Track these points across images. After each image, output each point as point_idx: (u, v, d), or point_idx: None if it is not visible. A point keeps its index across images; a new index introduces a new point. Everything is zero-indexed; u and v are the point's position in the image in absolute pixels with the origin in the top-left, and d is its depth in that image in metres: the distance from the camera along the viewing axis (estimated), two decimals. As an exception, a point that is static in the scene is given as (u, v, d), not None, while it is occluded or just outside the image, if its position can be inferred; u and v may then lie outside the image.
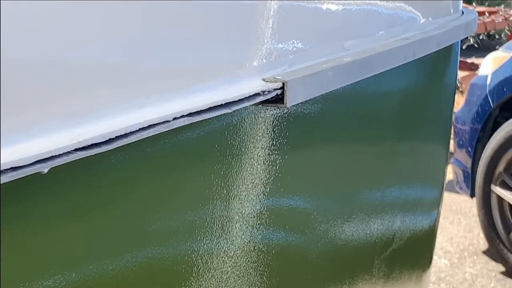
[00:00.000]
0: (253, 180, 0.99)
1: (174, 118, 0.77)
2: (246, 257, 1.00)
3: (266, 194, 1.03)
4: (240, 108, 0.88)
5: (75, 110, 0.68)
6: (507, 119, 3.50)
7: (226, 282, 0.97)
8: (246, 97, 0.88)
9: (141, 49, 0.75)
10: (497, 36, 9.62)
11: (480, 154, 3.57)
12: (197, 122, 0.81)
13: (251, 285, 1.03)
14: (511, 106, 3.55)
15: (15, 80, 0.61)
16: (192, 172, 0.89)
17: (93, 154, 0.67)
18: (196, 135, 0.87)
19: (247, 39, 0.93)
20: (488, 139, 3.53)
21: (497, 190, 3.47)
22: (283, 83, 0.93)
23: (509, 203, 3.47)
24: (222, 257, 0.95)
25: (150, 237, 0.82)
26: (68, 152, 0.65)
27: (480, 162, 3.54)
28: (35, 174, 0.62)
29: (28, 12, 0.62)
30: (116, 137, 0.70)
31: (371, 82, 1.24)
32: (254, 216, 1.01)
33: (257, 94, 0.90)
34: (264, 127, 1.00)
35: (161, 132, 0.76)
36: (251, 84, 0.91)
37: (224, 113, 0.85)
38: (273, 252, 1.07)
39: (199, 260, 0.90)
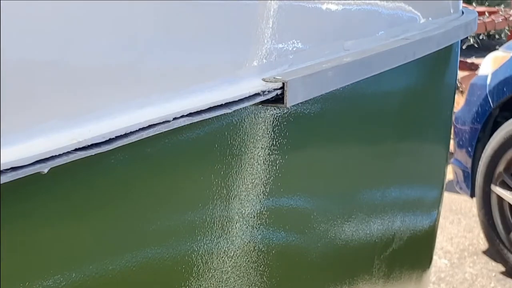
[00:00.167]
0: (253, 180, 0.99)
1: (174, 118, 0.77)
2: (246, 257, 1.00)
3: (266, 194, 1.03)
4: (240, 108, 0.88)
5: (75, 110, 0.68)
6: (507, 119, 3.50)
7: (226, 282, 0.97)
8: (246, 97, 0.88)
9: (141, 49, 0.75)
10: (497, 36, 9.62)
11: (480, 154, 3.57)
12: (197, 122, 0.81)
13: (251, 285, 1.03)
14: (511, 106, 3.55)
15: (15, 80, 0.61)
16: (192, 172, 0.89)
17: (93, 154, 0.67)
18: (196, 135, 0.87)
19: (247, 39, 0.93)
20: (488, 139, 3.53)
21: (497, 190, 3.47)
22: (283, 83, 0.93)
23: (509, 203, 3.47)
24: (222, 257, 0.95)
25: (150, 237, 0.82)
26: (68, 152, 0.65)
27: (480, 162, 3.54)
28: (35, 174, 0.62)
29: (28, 12, 0.62)
30: (116, 137, 0.70)
31: (371, 82, 1.24)
32: (254, 216, 1.01)
33: (257, 94, 0.90)
34: (264, 127, 1.00)
35: (161, 132, 0.76)
36: (251, 84, 0.91)
37: (224, 113, 0.85)
38: (273, 252, 1.07)
39: (199, 260, 0.90)
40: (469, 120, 3.64)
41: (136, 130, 0.72)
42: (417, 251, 1.84)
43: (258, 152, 0.99)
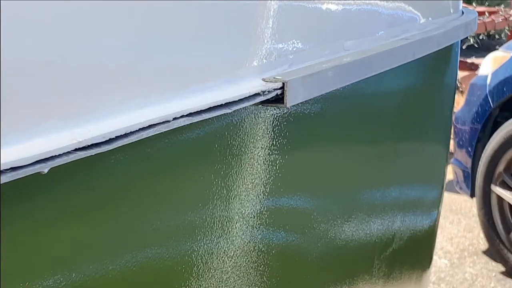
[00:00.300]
0: (253, 180, 0.99)
1: (174, 118, 0.77)
2: (246, 257, 1.00)
3: (266, 194, 1.03)
4: (240, 108, 0.88)
5: (75, 110, 0.68)
6: (507, 119, 3.50)
7: (226, 282, 0.97)
8: (246, 97, 0.88)
9: (141, 49, 0.75)
10: (497, 36, 9.62)
11: (480, 154, 3.57)
12: (197, 122, 0.81)
13: (251, 285, 1.03)
14: (511, 106, 3.55)
15: (15, 80, 0.61)
16: (192, 172, 0.89)
17: (93, 154, 0.67)
18: (196, 135, 0.87)
19: (247, 39, 0.93)
20: (488, 139, 3.53)
21: (497, 190, 3.47)
22: (283, 83, 0.93)
23: (509, 203, 3.47)
24: (222, 257, 0.95)
25: (150, 237, 0.82)
26: (68, 152, 0.65)
27: (480, 162, 3.54)
28: (35, 174, 0.62)
29: (28, 12, 0.62)
30: (116, 137, 0.70)
31: (371, 82, 1.24)
32: (254, 216, 1.01)
33: (257, 94, 0.90)
34: (264, 127, 1.00)
35: (161, 132, 0.76)
36: (251, 84, 0.91)
37: (224, 113, 0.85)
38: (273, 252, 1.07)
39: (199, 260, 0.90)
40: (469, 120, 3.64)
41: (136, 130, 0.72)
42: (417, 251, 1.84)
43: (258, 152, 0.99)
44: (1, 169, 0.59)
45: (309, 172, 1.17)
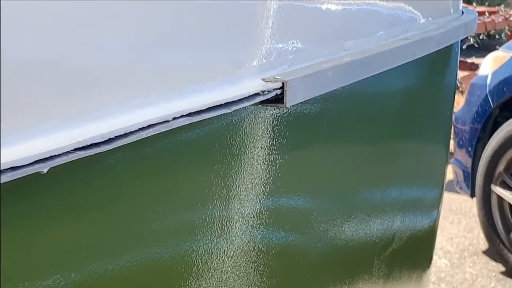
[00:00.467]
0: (253, 180, 0.99)
1: (174, 118, 0.77)
2: (246, 257, 1.00)
3: (266, 194, 1.03)
4: (240, 108, 0.88)
5: (74, 110, 0.68)
6: (507, 119, 3.50)
7: (226, 282, 0.97)
8: (245, 97, 0.88)
9: (140, 49, 0.75)
10: (497, 36, 9.62)
11: (480, 154, 3.57)
12: (197, 122, 0.81)
13: (251, 285, 1.03)
14: (511, 106, 3.55)
15: (14, 80, 0.61)
16: (191, 172, 0.89)
17: (92, 154, 0.67)
18: (195, 135, 0.87)
19: (246, 39, 0.93)
20: (488, 139, 3.53)
21: (497, 190, 3.47)
22: (283, 83, 0.93)
23: (509, 203, 3.47)
24: (222, 257, 0.95)
25: (149, 237, 0.82)
26: (68, 152, 0.65)
27: (480, 162, 3.54)
28: (35, 174, 0.62)
29: (28, 13, 0.62)
30: (115, 137, 0.70)
31: (371, 82, 1.24)
32: (254, 216, 1.01)
33: (256, 94, 0.90)
34: (264, 127, 1.00)
35: (161, 132, 0.76)
36: (251, 84, 0.91)
37: (224, 113, 0.85)
38: (273, 252, 1.07)
39: (199, 260, 0.90)
40: (469, 120, 3.64)
41: (136, 130, 0.72)
42: (417, 251, 1.84)
43: (258, 152, 0.99)
44: (1, 169, 0.59)
45: (309, 172, 1.17)
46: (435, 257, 3.14)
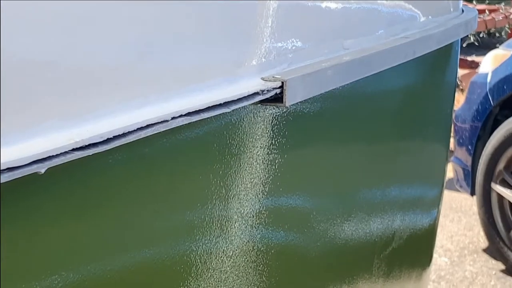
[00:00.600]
0: (252, 180, 0.99)
1: (173, 118, 0.77)
2: (245, 257, 1.00)
3: (265, 193, 1.02)
4: (239, 108, 0.87)
5: (73, 110, 0.67)
6: (507, 117, 3.50)
7: (225, 282, 0.96)
8: (245, 97, 0.88)
9: (139, 49, 0.75)
10: (497, 34, 9.60)
11: (480, 152, 3.57)
12: (196, 121, 0.80)
13: (250, 285, 1.02)
14: (511, 104, 3.54)
15: (13, 80, 0.60)
16: (190, 172, 0.88)
17: (90, 154, 0.67)
18: (194, 134, 0.87)
19: (246, 38, 0.92)
20: (488, 137, 3.53)
21: (498, 188, 3.46)
22: (282, 82, 0.92)
23: (509, 201, 3.47)
24: (221, 256, 0.95)
25: (148, 237, 0.82)
26: (66, 152, 0.65)
27: (480, 160, 3.54)
28: (33, 174, 0.62)
29: (28, 12, 0.61)
30: (114, 136, 0.70)
31: (370, 81, 1.24)
32: (253, 216, 1.00)
33: (256, 93, 0.89)
34: (263, 126, 0.99)
35: (159, 132, 0.75)
36: (250, 83, 0.91)
37: (223, 113, 0.84)
38: (273, 251, 1.07)
39: (198, 260, 0.90)
40: (469, 118, 3.64)
41: (134, 130, 0.72)
42: (417, 249, 1.84)
43: (257, 152, 0.99)
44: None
45: (308, 172, 1.17)
46: (435, 255, 3.13)
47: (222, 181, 0.92)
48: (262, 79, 0.93)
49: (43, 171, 0.63)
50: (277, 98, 0.93)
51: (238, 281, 0.99)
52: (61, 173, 0.67)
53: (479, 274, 3.53)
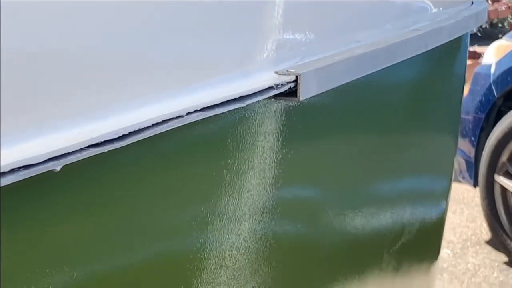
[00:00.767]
0: (264, 174, 0.98)
1: (188, 113, 0.75)
2: (255, 250, 0.99)
3: (276, 187, 1.01)
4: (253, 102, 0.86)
5: (88, 106, 0.66)
6: (511, 108, 3.49)
7: (237, 276, 0.95)
8: (259, 91, 0.86)
9: (152, 44, 0.73)
10: (500, 25, 9.58)
11: (483, 143, 3.55)
12: (210, 116, 0.79)
13: (260, 278, 1.01)
14: (515, 95, 3.53)
15: (26, 76, 0.59)
16: (204, 166, 0.87)
17: (106, 151, 0.66)
18: (207, 128, 0.85)
19: (259, 31, 0.91)
20: (492, 129, 3.52)
21: (501, 180, 3.45)
22: (297, 76, 0.91)
23: (512, 193, 3.46)
24: (233, 251, 0.94)
25: (162, 232, 0.81)
26: (81, 149, 0.63)
27: (483, 152, 3.52)
28: (47, 172, 0.61)
29: (42, 9, 0.60)
30: (129, 133, 0.68)
31: (380, 73, 1.22)
32: (265, 210, 0.99)
33: (270, 88, 0.88)
34: (275, 119, 0.98)
35: (174, 127, 0.74)
36: (264, 77, 0.89)
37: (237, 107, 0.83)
38: (282, 245, 1.06)
39: (213, 254, 0.89)
40: (473, 109, 3.62)
41: (149, 126, 0.70)
42: (426, 243, 1.82)
43: (269, 145, 0.98)
44: (13, 167, 0.57)
45: (318, 165, 1.15)
46: (438, 247, 3.12)
47: (236, 175, 0.91)
48: (276, 72, 0.91)
49: (58, 168, 0.61)
50: (291, 92, 0.91)
51: (248, 275, 0.98)
52: (76, 170, 0.65)
53: (482, 266, 3.53)
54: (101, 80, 0.67)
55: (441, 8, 1.51)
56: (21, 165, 0.58)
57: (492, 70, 3.57)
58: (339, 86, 1.07)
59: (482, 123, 3.59)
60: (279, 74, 0.91)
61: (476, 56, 5.82)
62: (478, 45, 6.84)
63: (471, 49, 6.28)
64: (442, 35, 1.42)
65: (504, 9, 6.53)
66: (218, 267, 0.91)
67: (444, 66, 1.72)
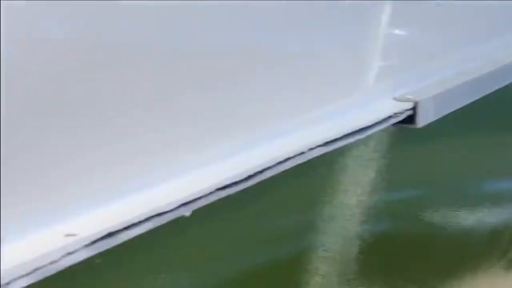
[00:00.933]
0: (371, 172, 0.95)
1: (310, 149, 0.75)
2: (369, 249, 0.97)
3: (392, 186, 0.99)
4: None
5: (212, 150, 0.67)
6: None
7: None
8: (378, 122, 0.85)
9: (269, 84, 0.74)
10: None
11: None
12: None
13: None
14: None
15: (164, 125, 0.60)
16: (316, 185, 0.86)
17: (232, 192, 0.66)
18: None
19: (373, 56, 0.89)
20: None
21: None
22: (415, 103, 0.90)
23: None
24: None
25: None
26: (210, 193, 0.64)
27: None
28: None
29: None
30: (255, 173, 0.69)
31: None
32: (375, 210, 0.97)
33: (389, 117, 0.87)
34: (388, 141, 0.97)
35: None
36: (382, 105, 0.88)
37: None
38: (393, 244, 1.04)
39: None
40: None
41: (274, 165, 0.71)
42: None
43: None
44: (148, 215, 0.58)
45: (434, 164, 1.12)
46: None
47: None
48: (394, 99, 0.90)
49: (188, 214, 0.62)
50: (409, 118, 0.90)
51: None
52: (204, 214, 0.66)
53: None
54: (224, 122, 0.68)
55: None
56: (154, 214, 0.59)
57: None
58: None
59: None
60: (398, 101, 0.90)
61: None
62: None
63: None
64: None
65: None
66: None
67: None
